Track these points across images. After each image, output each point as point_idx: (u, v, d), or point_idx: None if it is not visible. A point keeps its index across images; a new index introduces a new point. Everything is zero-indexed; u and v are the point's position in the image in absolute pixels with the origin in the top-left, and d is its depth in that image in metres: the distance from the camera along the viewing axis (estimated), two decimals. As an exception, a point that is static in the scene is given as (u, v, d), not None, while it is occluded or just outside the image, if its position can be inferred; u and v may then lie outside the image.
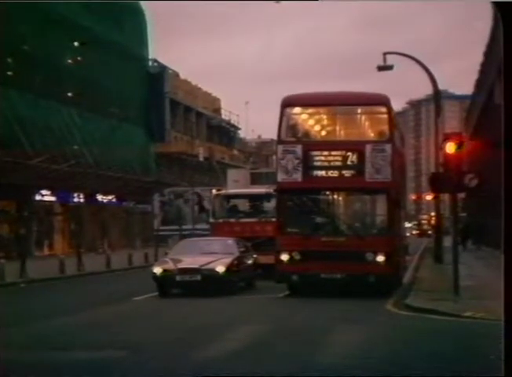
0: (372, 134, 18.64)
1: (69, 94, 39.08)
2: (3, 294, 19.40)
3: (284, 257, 16.83)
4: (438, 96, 30.48)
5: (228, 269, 17.19)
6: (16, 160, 31.40)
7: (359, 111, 18.50)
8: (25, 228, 30.44)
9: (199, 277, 16.94)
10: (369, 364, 9.16)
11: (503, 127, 5.28)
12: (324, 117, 18.97)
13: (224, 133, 72.58)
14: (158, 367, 8.92)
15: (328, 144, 17.68)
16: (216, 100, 71.02)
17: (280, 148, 17.23)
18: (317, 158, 17.01)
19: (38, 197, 37.17)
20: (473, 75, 46.75)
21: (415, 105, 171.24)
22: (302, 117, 18.70)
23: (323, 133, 19.07)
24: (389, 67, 28.61)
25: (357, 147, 16.92)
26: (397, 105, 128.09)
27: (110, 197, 45.39)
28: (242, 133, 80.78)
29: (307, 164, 16.89)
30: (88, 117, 40.21)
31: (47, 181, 35.16)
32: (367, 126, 19.00)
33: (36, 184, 35.56)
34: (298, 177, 16.88)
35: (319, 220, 17.59)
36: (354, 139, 18.21)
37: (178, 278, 17.03)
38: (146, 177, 45.91)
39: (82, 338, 11.29)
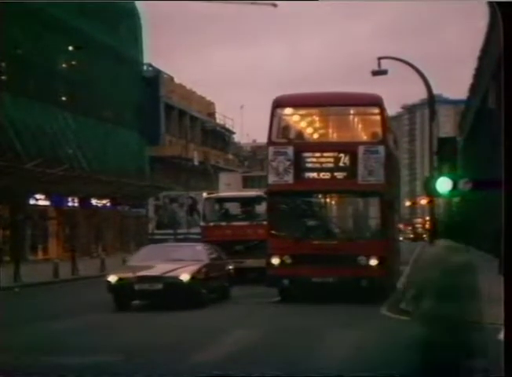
0: (365, 135, 18.20)
1: (63, 98, 39.08)
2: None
3: (275, 260, 16.40)
4: (432, 101, 30.53)
5: (194, 277, 15.41)
6: (9, 164, 31.32)
7: (351, 111, 18.09)
8: (19, 233, 30.41)
9: (160, 286, 15.12)
10: (363, 367, 9.17)
11: (503, 128, 5.19)
12: (316, 118, 18.56)
13: (219, 137, 72.56)
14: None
15: (320, 146, 17.36)
16: (210, 104, 71.02)
17: (271, 149, 16.83)
18: (309, 159, 16.65)
19: (32, 201, 37.07)
20: (468, 80, 46.95)
21: (410, 110, 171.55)
22: (294, 118, 18.24)
23: (315, 134, 18.66)
24: (384, 72, 28.68)
25: (350, 148, 16.54)
26: (392, 110, 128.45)
27: (104, 201, 45.32)
28: (237, 138, 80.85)
29: (298, 166, 16.50)
30: (82, 121, 40.19)
31: (41, 185, 35.09)
32: (359, 127, 18.58)
33: (30, 189, 35.48)
34: (289, 179, 16.49)
35: (310, 223, 17.17)
36: (346, 140, 17.78)
37: (137, 287, 15.18)
38: (140, 181, 45.87)
39: (76, 343, 11.23)
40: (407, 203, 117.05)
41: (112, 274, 15.93)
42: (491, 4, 16.19)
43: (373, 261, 16.09)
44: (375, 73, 28.69)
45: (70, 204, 41.29)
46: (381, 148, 16.43)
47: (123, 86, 45.06)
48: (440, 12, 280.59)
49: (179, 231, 40.75)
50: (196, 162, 58.57)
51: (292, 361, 9.50)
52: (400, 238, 42.45)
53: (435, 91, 31.92)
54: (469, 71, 44.99)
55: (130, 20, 46.72)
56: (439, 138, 20.18)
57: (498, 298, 16.28)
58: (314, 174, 16.57)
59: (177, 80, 61.72)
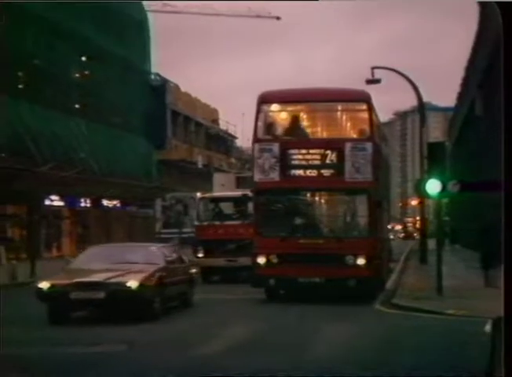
0: (352, 132, 16.94)
1: (76, 106, 39.18)
2: (15, 293, 19.45)
3: (261, 260, 15.19)
4: (423, 108, 30.70)
5: (144, 283, 12.31)
6: (26, 167, 31.44)
7: (338, 107, 16.78)
8: (35, 232, 30.48)
9: (102, 295, 11.97)
10: (360, 358, 9.22)
11: (503, 129, 4.94)
12: (302, 114, 17.00)
13: (222, 141, 72.66)
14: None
15: (306, 142, 16.06)
16: (214, 111, 71.12)
17: (257, 146, 15.60)
18: (295, 156, 15.41)
19: (47, 202, 37.18)
20: (456, 89, 47.05)
21: (402, 116, 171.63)
22: (279, 114, 16.88)
23: (301, 130, 16.96)
24: (377, 81, 28.85)
25: (336, 145, 15.31)
26: (385, 116, 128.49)
27: (114, 202, 45.43)
28: (239, 142, 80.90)
29: (284, 163, 15.27)
30: (94, 127, 40.27)
31: (56, 187, 35.21)
32: (346, 124, 17.32)
33: (45, 190, 35.59)
34: (275, 176, 15.28)
35: (297, 221, 15.84)
36: (333, 137, 16.59)
37: (73, 295, 12.02)
38: (148, 183, 45.97)
39: (84, 335, 11.08)
40: (399, 204, 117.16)
41: (45, 280, 12.70)
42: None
43: (360, 261, 14.88)
44: (369, 82, 28.88)
45: (82, 205, 41.40)
46: (368, 145, 15.23)
47: (132, 94, 45.15)
48: (430, 27, 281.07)
49: (184, 230, 40.84)
50: (201, 165, 58.70)
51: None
52: (391, 236, 42.35)
53: (425, 99, 32.22)
54: (457, 80, 45.13)
55: (140, 32, 46.80)
56: (429, 143, 20.19)
57: (485, 288, 16.24)
58: (300, 172, 15.33)
59: (182, 89, 61.89)
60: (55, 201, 38.15)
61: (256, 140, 15.75)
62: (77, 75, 39.48)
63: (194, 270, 15.46)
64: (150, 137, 49.09)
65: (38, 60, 35.14)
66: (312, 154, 15.40)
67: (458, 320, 12.31)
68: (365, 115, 15.63)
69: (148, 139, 48.92)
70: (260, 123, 15.74)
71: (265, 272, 15.12)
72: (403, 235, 76.96)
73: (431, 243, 26.69)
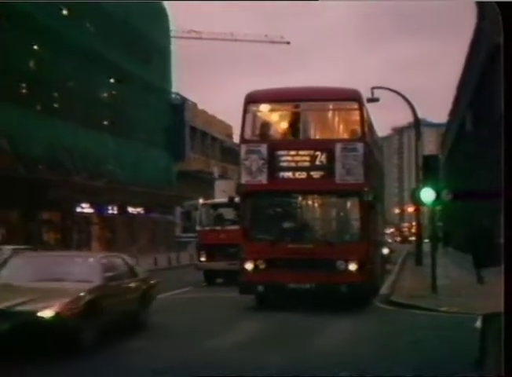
0: (343, 132, 15.16)
1: (105, 123, 39.56)
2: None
3: (248, 265, 13.37)
4: (418, 124, 30.76)
5: (63, 312, 8.51)
6: (60, 178, 31.76)
7: (328, 107, 14.95)
8: (68, 236, 30.68)
9: (6, 326, 8.28)
10: (359, 350, 9.21)
11: (503, 135, 4.65)
12: (291, 114, 14.87)
13: (236, 154, 72.71)
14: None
15: (295, 143, 14.16)
16: (228, 127, 71.38)
17: (244, 147, 13.87)
18: (283, 158, 13.57)
19: (78, 209, 37.47)
20: (448, 107, 47.09)
21: (399, 131, 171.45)
22: (267, 114, 14.94)
23: (290, 131, 14.92)
24: (376, 100, 28.98)
25: (326, 146, 13.48)
26: (383, 131, 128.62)
27: (139, 209, 45.67)
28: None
29: (272, 165, 13.46)
30: (121, 142, 40.59)
31: (86, 195, 35.51)
32: (337, 124, 15.51)
33: (77, 198, 35.89)
34: (262, 178, 13.46)
35: (286, 225, 13.90)
36: (323, 137, 14.98)
37: None
38: (169, 191, 46.19)
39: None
40: (397, 211, 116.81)
41: None
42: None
43: (352, 266, 13.06)
44: (369, 100, 29.01)
45: (110, 212, 41.65)
46: (359, 146, 13.32)
47: (155, 112, 45.47)
48: (425, 52, 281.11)
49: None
50: (216, 176, 58.90)
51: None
52: (389, 240, 42.14)
53: (420, 116, 32.24)
54: (450, 99, 45.17)
55: (163, 56, 47.21)
56: (424, 155, 20.20)
57: (475, 287, 16.25)
58: (289, 174, 13.49)
59: (200, 107, 62.22)
60: (85, 208, 38.42)
61: (243, 141, 14.05)
62: (106, 96, 39.91)
63: (152, 282, 11.66)
64: (170, 150, 49.36)
65: (72, 83, 35.54)
66: (302, 155, 13.58)
67: (451, 317, 12.35)
68: (356, 114, 13.79)
69: (169, 152, 49.18)
70: (247, 124, 14.02)
71: (254, 278, 13.31)
72: (400, 239, 76.72)
73: (426, 247, 26.68)
